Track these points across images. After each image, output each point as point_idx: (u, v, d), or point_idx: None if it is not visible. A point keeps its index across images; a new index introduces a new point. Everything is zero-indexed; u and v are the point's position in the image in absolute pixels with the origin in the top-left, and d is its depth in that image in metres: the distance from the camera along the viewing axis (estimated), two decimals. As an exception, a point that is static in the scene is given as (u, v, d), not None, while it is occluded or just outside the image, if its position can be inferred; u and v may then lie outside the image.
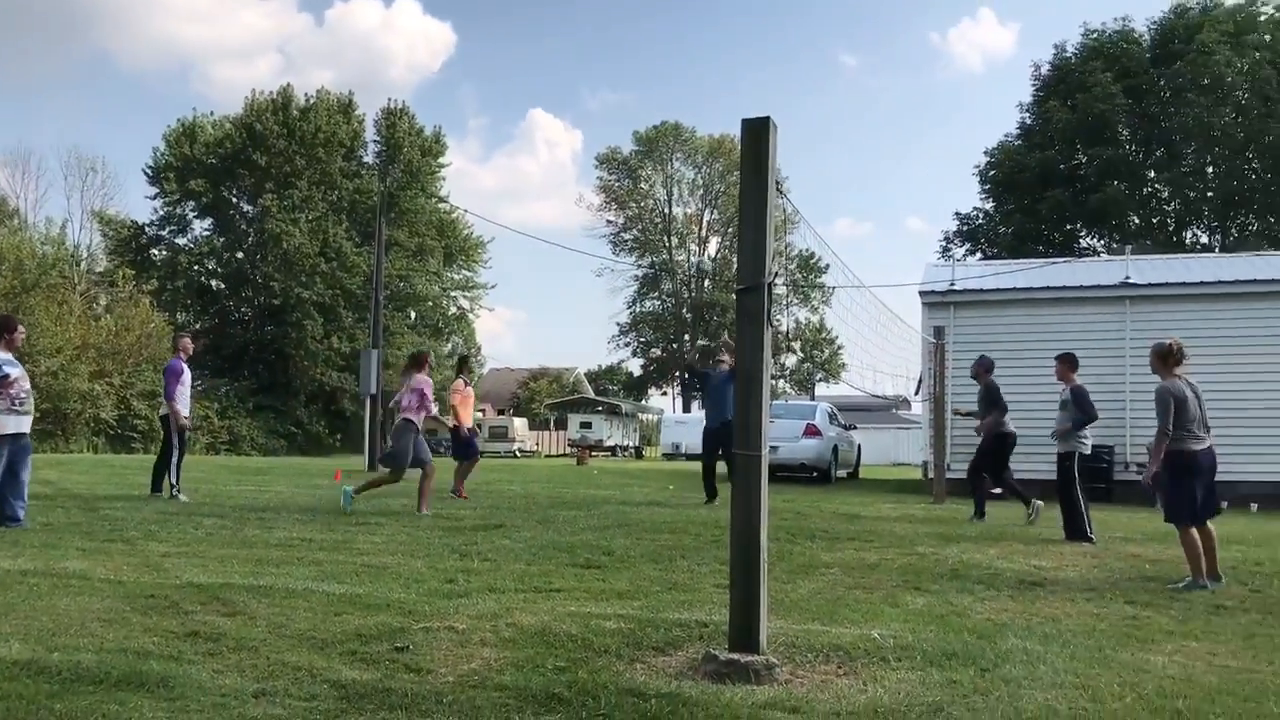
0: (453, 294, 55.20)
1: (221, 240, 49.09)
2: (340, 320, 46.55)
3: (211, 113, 49.46)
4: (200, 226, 49.75)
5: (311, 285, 45.16)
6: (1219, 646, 5.18)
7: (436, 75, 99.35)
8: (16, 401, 8.69)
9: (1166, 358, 7.39)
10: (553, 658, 4.48)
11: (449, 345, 55.85)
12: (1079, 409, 10.00)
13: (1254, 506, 15.50)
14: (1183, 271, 18.98)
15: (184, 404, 12.36)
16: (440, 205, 51.01)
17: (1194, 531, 7.07)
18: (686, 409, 62.22)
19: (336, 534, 8.85)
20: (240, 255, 48.78)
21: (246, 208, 48.58)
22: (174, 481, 11.99)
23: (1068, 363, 10.32)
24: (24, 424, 8.85)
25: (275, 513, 10.72)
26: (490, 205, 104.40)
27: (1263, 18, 37.24)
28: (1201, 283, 17.77)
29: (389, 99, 70.48)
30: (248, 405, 43.33)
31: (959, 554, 8.54)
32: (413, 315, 51.80)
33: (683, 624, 5.22)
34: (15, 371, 8.72)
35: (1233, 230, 36.99)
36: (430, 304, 52.56)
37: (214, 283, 49.88)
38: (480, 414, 51.41)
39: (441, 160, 52.67)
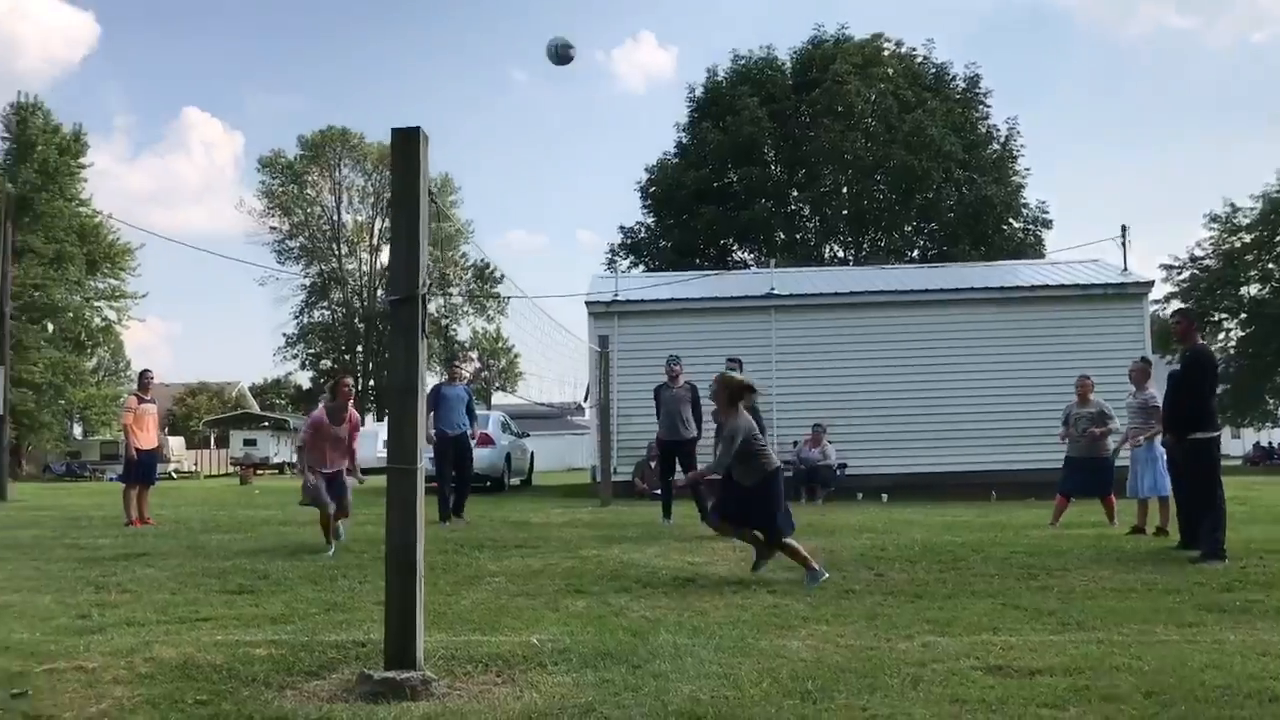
0: (97, 304, 50.79)
1: None
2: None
3: None
4: None
5: (-76, 295, 40.16)
6: (846, 628, 5.65)
7: (77, 68, 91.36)
8: None
9: (735, 392, 7.57)
10: (194, 691, 4.24)
11: (94, 360, 51.35)
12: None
13: (884, 497, 17.05)
14: (821, 284, 20.67)
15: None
16: (81, 209, 46.86)
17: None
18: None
19: (-52, 574, 7.93)
20: None
21: None
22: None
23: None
24: None
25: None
26: (140, 209, 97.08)
27: (886, 52, 41.18)
28: (836, 294, 19.46)
29: (19, 92, 64.00)
30: None
31: (620, 554, 8.84)
32: (50, 328, 47.21)
33: (339, 645, 5.09)
34: None
35: (864, 245, 40.53)
36: (71, 315, 48.09)
37: None
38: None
39: (83, 160, 48.40)
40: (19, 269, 34.40)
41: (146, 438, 12.28)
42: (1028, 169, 41.99)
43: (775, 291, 19.28)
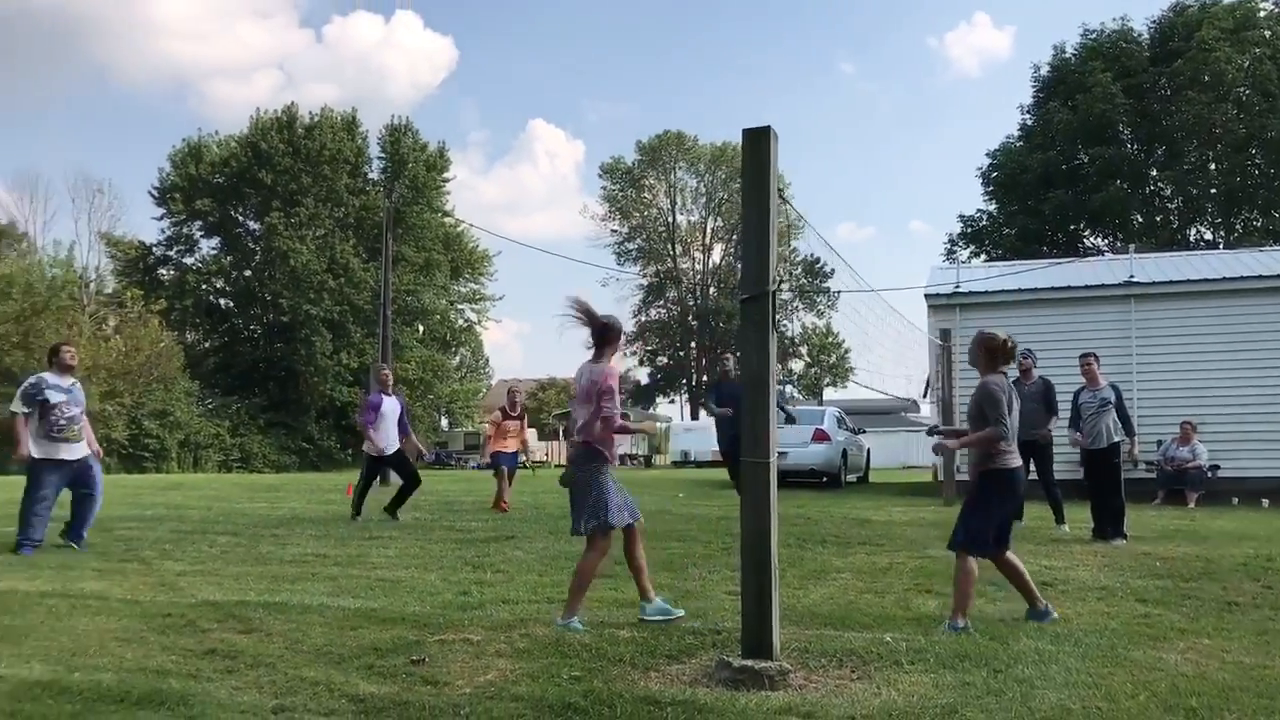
0: (460, 307, 55.36)
1: (229, 259, 49.23)
2: (349, 336, 46.68)
3: (216, 132, 49.65)
4: (207, 245, 49.92)
5: (320, 302, 45.29)
6: (1231, 644, 5.20)
7: (437, 90, 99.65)
8: (54, 428, 8.76)
9: (995, 353, 6.15)
10: (568, 668, 4.52)
11: (456, 358, 55.92)
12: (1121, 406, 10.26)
13: (1265, 502, 15.47)
14: (1187, 269, 18.97)
15: (383, 435, 12.09)
16: (446, 219, 51.14)
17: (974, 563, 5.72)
18: (695, 416, 62.23)
19: (350, 549, 8.90)
20: (248, 273, 48.91)
21: (253, 226, 48.72)
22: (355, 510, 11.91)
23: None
24: (63, 450, 8.84)
25: (289, 529, 10.78)
26: (492, 217, 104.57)
27: (1262, 13, 37.20)
28: (1206, 279, 17.77)
29: (392, 116, 70.91)
30: (259, 422, 43.44)
31: (970, 556, 8.54)
32: (420, 329, 51.91)
33: (695, 632, 5.26)
34: (58, 397, 8.80)
35: (1236, 226, 36.91)
36: (438, 317, 52.64)
37: (222, 301, 50.02)
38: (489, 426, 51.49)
39: (446, 175, 52.86)
40: (394, 276, 37.97)
41: (503, 445, 13.15)
42: None
43: (1135, 279, 17.91)
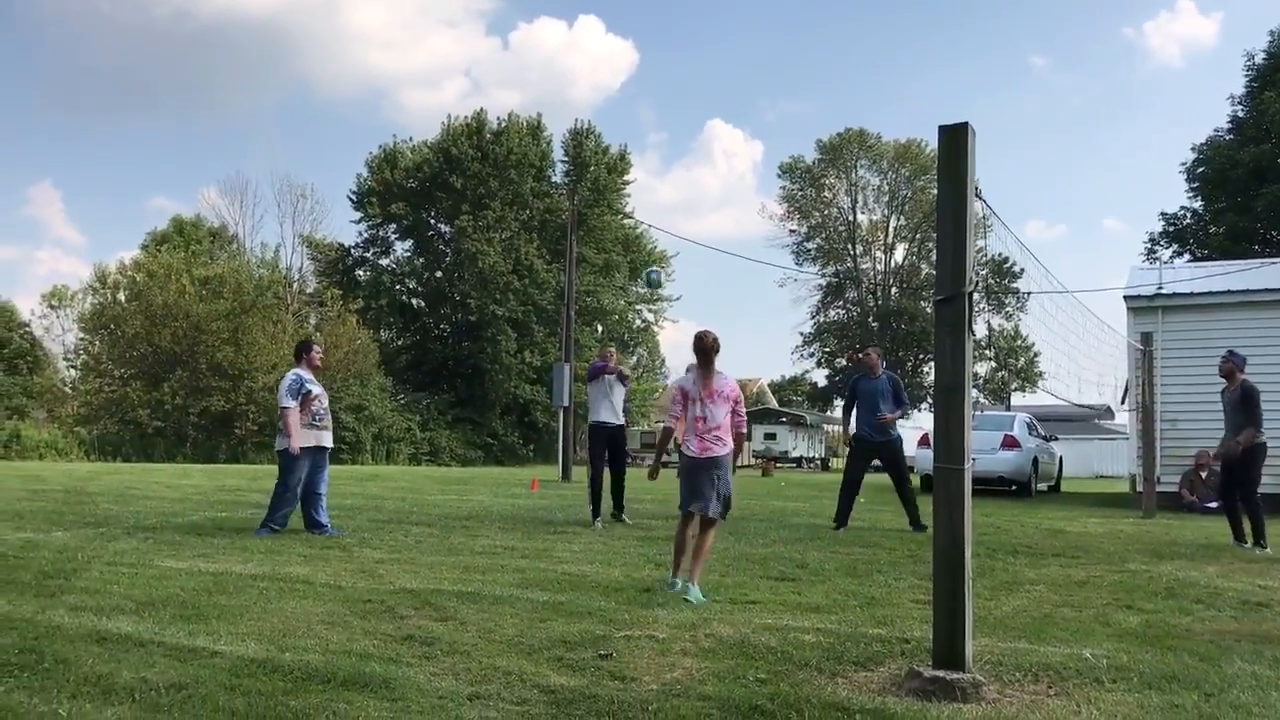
0: (638, 307, 56.00)
1: (421, 260, 51.24)
2: (532, 335, 47.91)
3: (410, 138, 51.83)
4: (401, 247, 52.12)
5: (505, 302, 46.63)
6: None
7: (618, 93, 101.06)
8: (316, 417, 9.60)
9: None
10: (753, 669, 4.51)
11: (634, 357, 56.56)
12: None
13: None
14: None
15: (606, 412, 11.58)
16: (626, 221, 51.81)
17: None
18: (844, 420, 60.95)
19: (536, 542, 9.13)
20: (439, 274, 50.77)
21: (444, 229, 50.55)
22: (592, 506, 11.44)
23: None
24: (324, 438, 9.74)
25: (478, 521, 11.14)
26: (669, 218, 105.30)
27: None
28: None
29: (575, 119, 72.24)
30: (447, 417, 45.06)
31: (1174, 571, 8.11)
32: (600, 329, 52.81)
33: (882, 639, 5.16)
34: (316, 389, 9.64)
35: None
36: (616, 317, 53.42)
37: (414, 301, 52.09)
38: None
39: (626, 177, 53.57)
40: (577, 276, 38.69)
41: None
42: None
43: (1361, 279, 16.62)
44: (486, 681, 4.25)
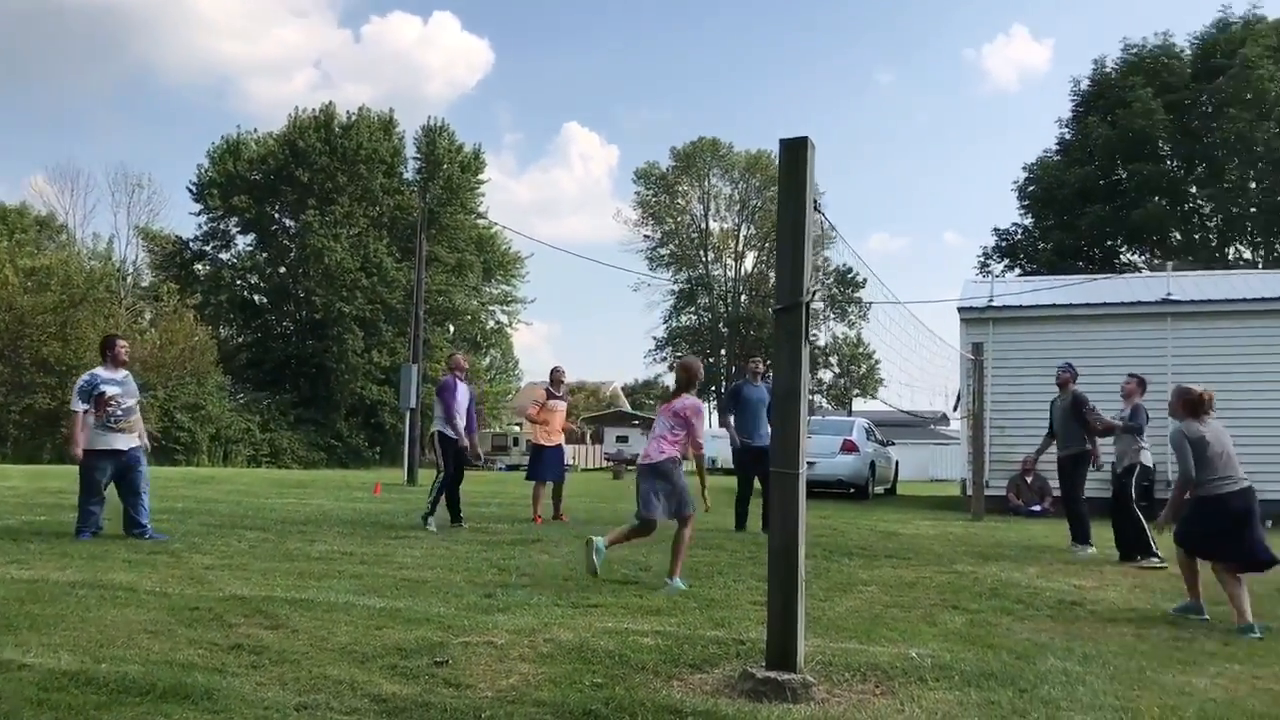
0: (491, 308, 55.62)
1: (264, 255, 49.73)
2: (380, 334, 47.03)
3: (255, 130, 50.21)
4: (243, 242, 50.52)
5: (352, 300, 45.65)
6: (1264, 670, 5.12)
7: (473, 91, 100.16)
8: (112, 419, 9.02)
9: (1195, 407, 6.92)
10: (590, 674, 4.51)
11: (487, 359, 56.14)
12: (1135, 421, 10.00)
13: (1300, 526, 15.23)
14: (1226, 288, 18.74)
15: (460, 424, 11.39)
16: (479, 221, 51.40)
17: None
18: (722, 424, 62.02)
19: (376, 548, 8.94)
20: (283, 270, 49.36)
21: (289, 223, 49.19)
22: (430, 510, 11.09)
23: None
24: (117, 441, 9.09)
25: (316, 526, 10.84)
26: (524, 219, 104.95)
27: (1307, 31, 36.78)
28: (1244, 299, 17.54)
29: (429, 116, 71.33)
30: (289, 418, 43.81)
31: (998, 572, 8.49)
32: (451, 329, 52.21)
33: (719, 641, 5.24)
34: (114, 389, 9.07)
35: (1277, 246, 36.45)
36: (469, 318, 52.95)
37: (256, 297, 50.54)
38: (517, 427, 51.64)
39: (480, 177, 53.16)
40: (427, 276, 38.18)
41: (549, 433, 12.35)
42: None
43: (1173, 297, 17.72)
44: (315, 691, 4.13)
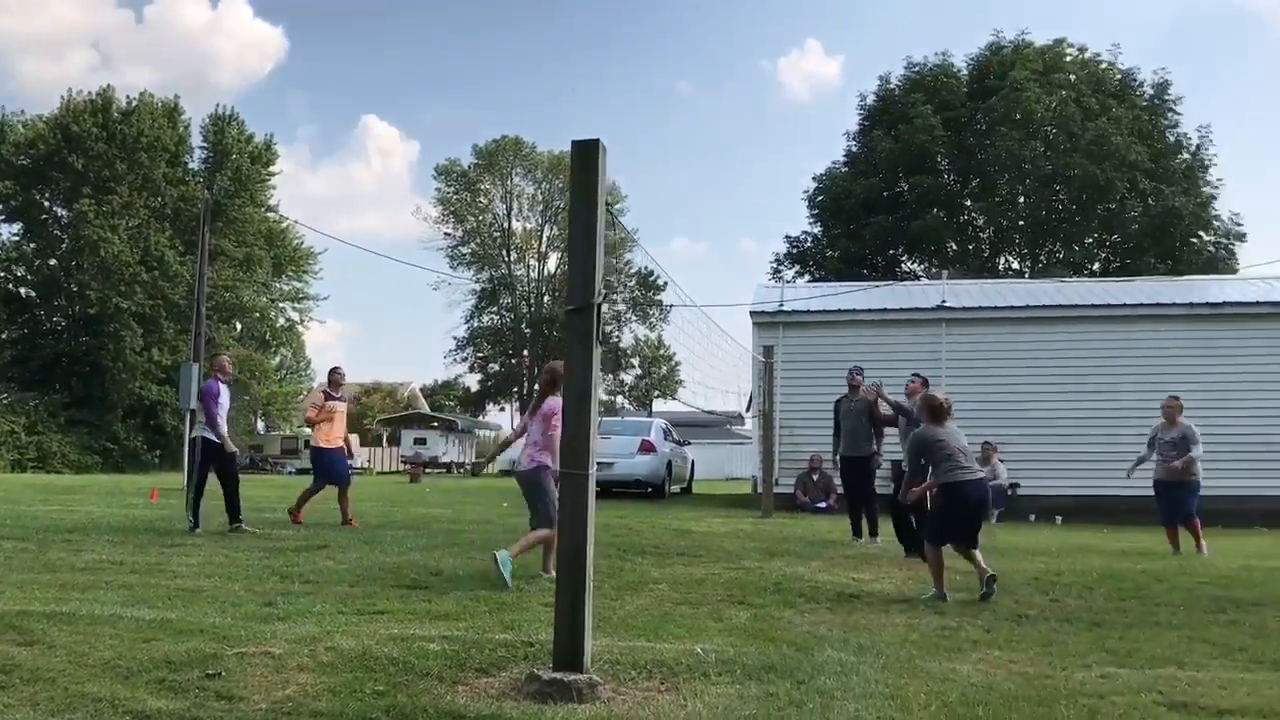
0: (282, 305, 53.58)
1: (32, 246, 46.34)
2: (161, 332, 44.56)
3: (22, 111, 46.78)
4: (8, 231, 46.88)
5: (131, 295, 43.09)
6: (1019, 654, 5.46)
7: (265, 80, 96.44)
8: None
9: (936, 411, 7.79)
10: (372, 682, 4.40)
11: (277, 358, 54.08)
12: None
13: (1059, 519, 16.40)
14: (995, 296, 20.04)
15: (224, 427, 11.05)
16: (270, 215, 49.48)
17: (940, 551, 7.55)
18: (524, 425, 61.75)
19: (150, 556, 8.47)
20: (53, 262, 46.14)
21: (61, 212, 46.02)
22: (194, 522, 10.69)
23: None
24: None
25: (84, 534, 10.18)
26: (320, 214, 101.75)
27: (1068, 58, 39.67)
28: (1011, 307, 18.81)
29: (217, 105, 68.21)
30: (59, 420, 40.96)
31: (783, 567, 8.77)
32: (239, 327, 50.05)
33: (508, 644, 5.21)
34: None
35: (1041, 257, 39.11)
36: (257, 315, 50.84)
37: (23, 290, 47.01)
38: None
39: (272, 169, 51.14)
40: (212, 271, 36.53)
41: (330, 436, 12.08)
42: (1220, 180, 39.64)
43: (947, 304, 18.80)
44: (71, 710, 3.88)
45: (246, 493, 11.23)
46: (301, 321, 54.70)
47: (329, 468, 12.07)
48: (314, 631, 5.39)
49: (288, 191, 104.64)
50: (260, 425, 52.96)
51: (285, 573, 7.58)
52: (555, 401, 7.34)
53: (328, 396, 12.32)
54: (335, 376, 12.62)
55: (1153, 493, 11.72)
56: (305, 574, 7.57)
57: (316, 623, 5.65)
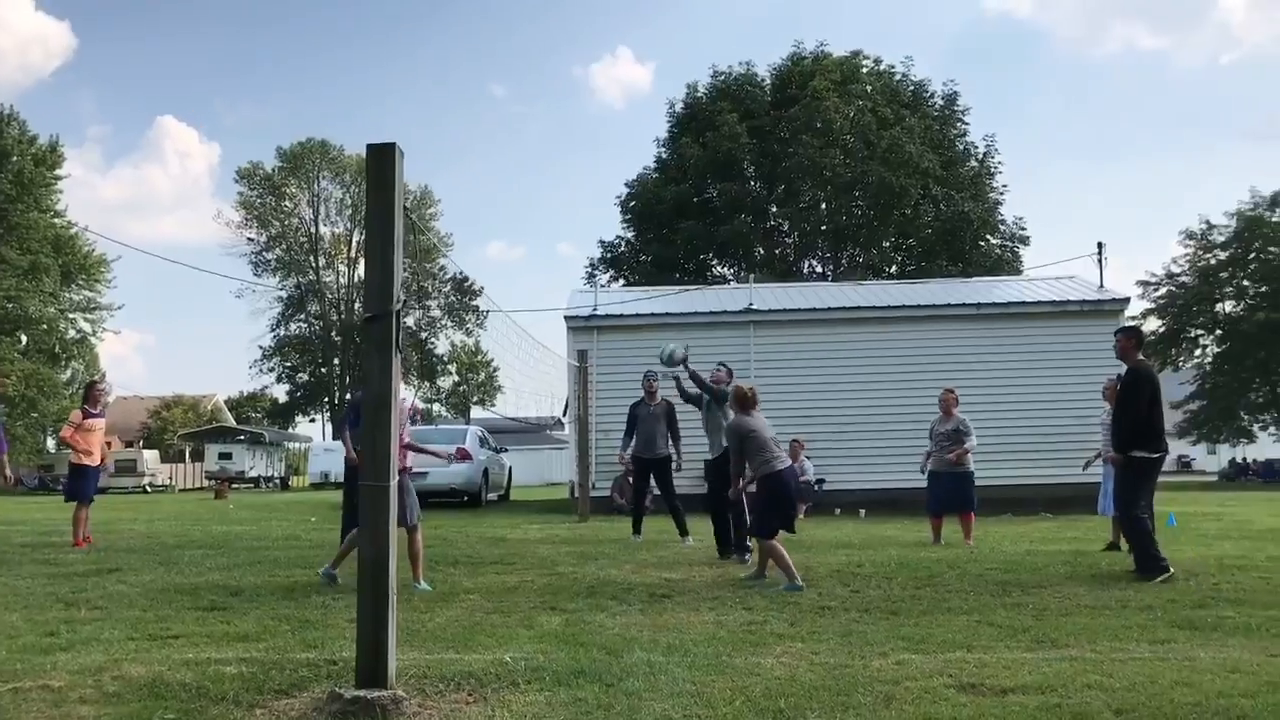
0: (72, 316, 50.46)
1: None
2: (-69, 347, 41.36)
3: None
4: None
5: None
6: (821, 646, 5.64)
7: (50, 78, 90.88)
8: None
9: (744, 401, 8.26)
10: (162, 710, 4.19)
11: (68, 372, 50.90)
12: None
13: (862, 513, 17.06)
14: (798, 299, 20.73)
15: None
16: (56, 221, 46.55)
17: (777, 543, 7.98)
18: (336, 436, 60.29)
19: (-85, 590, 7.82)
20: None
21: None
22: None
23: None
24: None
25: None
26: (114, 219, 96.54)
27: (864, 69, 41.45)
28: (814, 309, 19.52)
29: (-7, 101, 63.66)
30: None
31: (596, 571, 8.82)
32: (24, 340, 46.87)
33: (310, 663, 5.05)
34: None
35: (843, 260, 40.70)
36: (45, 327, 47.73)
37: None
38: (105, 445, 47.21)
39: (59, 172, 48.12)
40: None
41: (90, 454, 11.68)
42: (1005, 186, 42.35)
43: (754, 307, 19.32)
44: None
45: (35, 515, 10.52)
46: (95, 333, 51.65)
47: (90, 485, 11.72)
48: (100, 660, 5.10)
49: (78, 196, 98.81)
50: (50, 444, 49.74)
51: (71, 599, 7.13)
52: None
53: (86, 414, 11.82)
54: (94, 392, 12.15)
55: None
56: (93, 600, 7.14)
57: (104, 651, 5.34)
